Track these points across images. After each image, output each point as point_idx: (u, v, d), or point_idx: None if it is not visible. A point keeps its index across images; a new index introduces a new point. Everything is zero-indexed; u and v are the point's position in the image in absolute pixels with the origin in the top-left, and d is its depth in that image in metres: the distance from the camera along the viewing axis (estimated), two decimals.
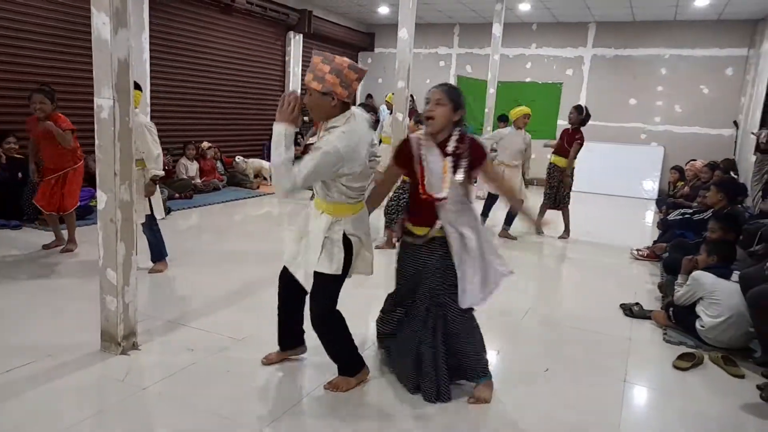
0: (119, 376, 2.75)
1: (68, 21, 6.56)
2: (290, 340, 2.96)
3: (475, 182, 3.14)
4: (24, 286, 3.96)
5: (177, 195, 7.34)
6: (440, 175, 2.54)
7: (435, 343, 2.68)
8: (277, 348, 2.99)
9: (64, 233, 4.89)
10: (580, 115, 6.35)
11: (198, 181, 7.96)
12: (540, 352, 3.39)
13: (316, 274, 2.50)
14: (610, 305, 4.26)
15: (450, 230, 2.58)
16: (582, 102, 10.98)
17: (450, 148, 2.56)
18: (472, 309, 2.74)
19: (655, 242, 6.04)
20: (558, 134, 11.18)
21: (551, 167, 6.58)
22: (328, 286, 2.55)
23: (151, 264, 4.39)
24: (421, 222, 2.65)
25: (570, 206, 6.57)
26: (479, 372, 2.73)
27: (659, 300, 4.44)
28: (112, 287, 2.93)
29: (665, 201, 7.93)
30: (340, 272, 2.50)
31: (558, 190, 6.45)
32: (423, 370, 2.68)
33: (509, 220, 6.34)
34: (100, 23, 2.71)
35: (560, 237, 6.56)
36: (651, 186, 10.49)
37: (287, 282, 2.74)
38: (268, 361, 2.95)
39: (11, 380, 2.65)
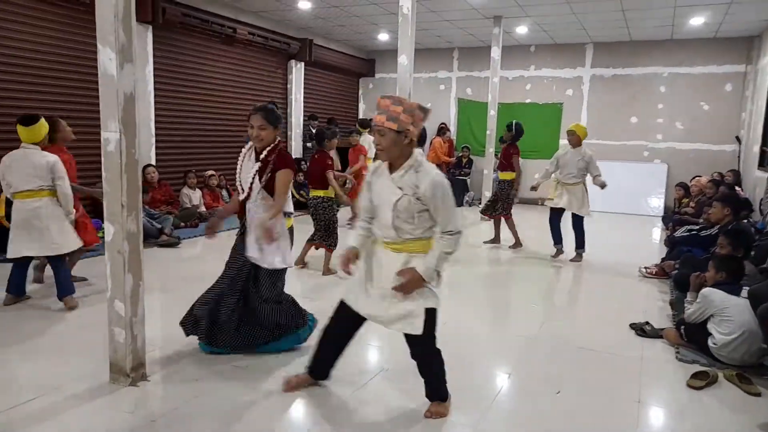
0: (128, 408, 2.73)
1: (73, 55, 6.68)
2: (326, 370, 2.98)
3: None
4: (30, 318, 3.96)
5: (182, 224, 7.37)
6: (248, 178, 3.20)
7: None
8: (284, 374, 2.98)
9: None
10: (511, 132, 7.10)
11: (203, 209, 7.99)
12: (551, 373, 3.35)
13: (427, 311, 2.56)
14: (621, 324, 4.22)
15: (249, 224, 3.19)
16: (583, 121, 11.06)
17: (263, 155, 3.20)
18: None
19: (663, 260, 6.01)
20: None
21: (501, 182, 7.16)
22: (433, 319, 2.61)
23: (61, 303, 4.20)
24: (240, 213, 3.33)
25: (513, 217, 7.06)
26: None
27: (670, 318, 4.40)
28: (120, 318, 2.92)
29: (671, 218, 7.91)
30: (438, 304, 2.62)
31: (496, 201, 7.12)
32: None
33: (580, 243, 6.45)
34: (107, 59, 2.77)
35: (511, 247, 6.98)
36: (657, 203, 10.47)
37: (347, 323, 2.78)
38: (288, 387, 2.93)
39: (19, 415, 2.63)
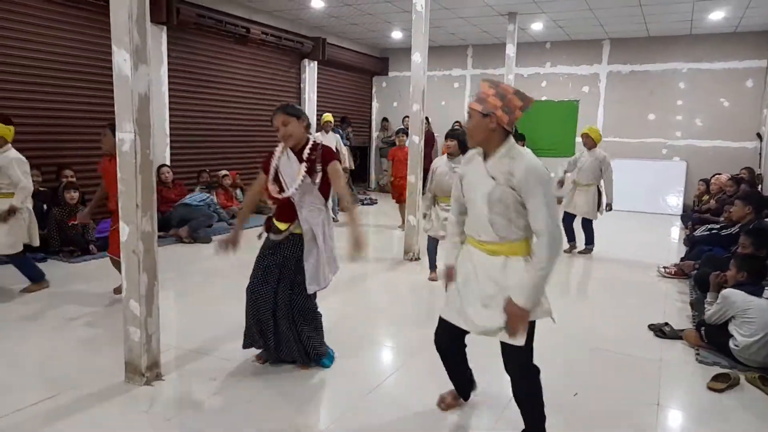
0: (143, 407, 2.74)
1: (89, 56, 6.74)
2: (466, 386, 2.84)
3: None
4: (47, 318, 4.00)
5: None
6: (293, 177, 2.99)
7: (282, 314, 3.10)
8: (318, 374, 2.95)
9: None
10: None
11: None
12: (567, 375, 3.30)
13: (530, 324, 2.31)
14: (639, 325, 4.15)
15: (305, 227, 3.02)
16: (600, 118, 10.93)
17: (305, 154, 3.00)
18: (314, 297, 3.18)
19: (682, 259, 5.91)
20: (577, 151, 11.15)
21: None
22: (532, 333, 2.37)
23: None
24: (283, 218, 3.08)
25: None
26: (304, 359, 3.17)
27: (689, 319, 4.32)
28: (135, 318, 2.94)
29: (691, 216, 7.78)
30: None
31: None
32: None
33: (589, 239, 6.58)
34: (121, 60, 2.78)
35: None
36: (675, 201, 10.30)
37: (451, 334, 2.58)
38: (447, 407, 2.80)
39: (37, 413, 2.66)
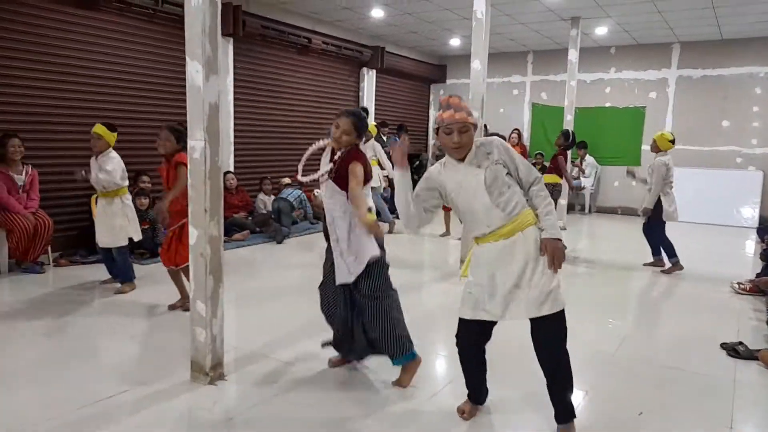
0: (208, 405, 2.85)
1: (163, 68, 7.11)
2: (482, 393, 2.81)
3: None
4: (120, 316, 4.23)
5: (258, 229, 7.63)
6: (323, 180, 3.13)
7: (353, 319, 3.14)
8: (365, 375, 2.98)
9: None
10: (567, 141, 7.18)
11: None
12: (633, 393, 3.17)
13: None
14: (711, 343, 3.93)
15: (328, 218, 3.10)
16: (668, 125, 10.48)
17: (337, 156, 3.10)
18: (380, 294, 3.08)
19: (758, 275, 5.55)
20: (643, 159, 10.73)
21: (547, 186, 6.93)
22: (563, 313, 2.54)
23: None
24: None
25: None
26: (390, 354, 3.09)
27: (766, 339, 4.05)
28: (201, 319, 3.06)
29: (767, 230, 7.31)
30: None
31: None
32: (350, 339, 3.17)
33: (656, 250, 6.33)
34: (194, 71, 2.92)
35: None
36: (750, 213, 9.71)
37: (474, 336, 2.62)
38: (468, 416, 2.76)
39: (113, 405, 2.82)
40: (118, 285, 4.86)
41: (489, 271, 2.50)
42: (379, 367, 3.30)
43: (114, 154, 4.76)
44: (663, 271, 6.17)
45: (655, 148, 6.15)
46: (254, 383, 3.13)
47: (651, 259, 6.40)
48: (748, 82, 9.85)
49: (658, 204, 6.08)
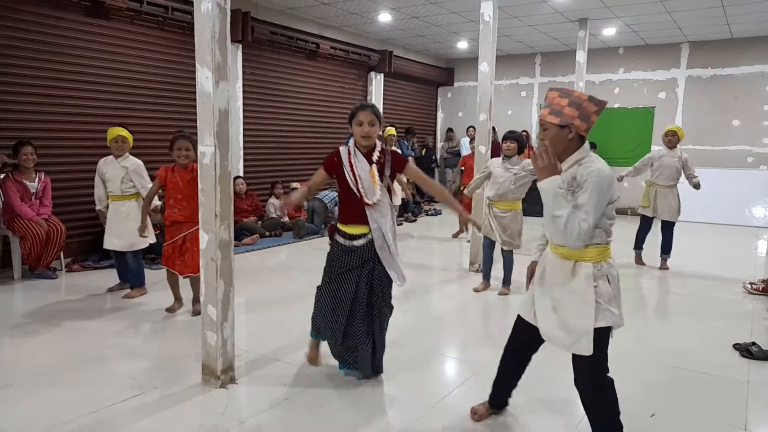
0: (219, 409, 2.86)
1: (173, 75, 7.18)
2: (505, 398, 2.79)
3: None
4: (131, 320, 4.26)
5: (267, 233, 7.67)
6: (370, 182, 2.93)
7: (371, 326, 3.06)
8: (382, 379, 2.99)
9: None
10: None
11: (286, 219, 8.28)
12: (645, 395, 3.15)
13: (597, 330, 2.26)
14: (723, 344, 3.90)
15: (375, 229, 2.96)
16: (678, 125, 10.37)
17: (375, 157, 2.98)
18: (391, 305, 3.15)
19: None
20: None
21: None
22: (603, 342, 2.31)
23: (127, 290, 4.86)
24: (355, 221, 2.99)
25: None
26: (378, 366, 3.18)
27: None
28: (212, 323, 3.08)
29: None
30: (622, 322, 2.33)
31: None
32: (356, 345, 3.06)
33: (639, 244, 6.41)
34: (204, 77, 2.95)
35: None
36: (763, 213, 9.62)
37: (524, 339, 2.57)
38: (479, 417, 2.76)
39: (125, 409, 2.84)
40: (128, 290, 4.89)
41: (540, 273, 2.45)
42: (387, 372, 3.31)
43: (133, 158, 4.87)
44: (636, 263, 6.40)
45: (676, 141, 6.20)
46: (265, 387, 3.14)
47: (660, 260, 6.39)
48: (758, 80, 9.77)
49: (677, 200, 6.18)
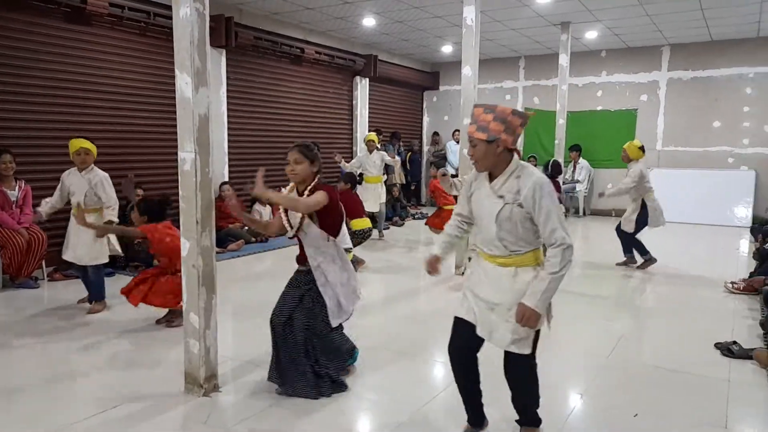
0: (202, 418, 2.84)
1: (153, 81, 7.13)
2: (480, 412, 2.67)
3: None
4: (111, 329, 4.21)
5: (253, 239, 7.63)
6: (294, 218, 3.06)
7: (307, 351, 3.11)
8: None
9: None
10: (546, 170, 7.14)
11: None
12: (628, 395, 3.18)
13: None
14: (705, 344, 3.94)
15: (313, 264, 3.06)
16: (660, 127, 10.57)
17: (305, 195, 3.06)
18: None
19: (752, 274, 5.58)
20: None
21: None
22: (537, 338, 2.45)
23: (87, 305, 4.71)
24: (301, 257, 3.15)
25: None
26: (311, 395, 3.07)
27: (761, 338, 4.07)
28: (194, 331, 3.06)
29: (761, 229, 7.34)
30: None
31: None
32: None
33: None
34: (183, 83, 2.93)
35: None
36: (744, 213, 9.75)
37: (466, 346, 2.53)
38: None
39: (107, 420, 2.81)
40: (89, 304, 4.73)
41: (476, 283, 2.50)
42: (371, 377, 3.30)
43: (101, 171, 4.71)
44: (638, 267, 6.36)
45: (626, 158, 6.22)
46: (249, 394, 3.12)
47: (624, 259, 6.51)
48: (738, 82, 9.92)
49: (644, 210, 6.17)
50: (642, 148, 6.19)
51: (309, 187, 3.08)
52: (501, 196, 2.33)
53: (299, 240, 3.12)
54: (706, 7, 7.71)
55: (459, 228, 2.65)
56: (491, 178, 2.40)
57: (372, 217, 7.30)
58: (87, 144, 4.63)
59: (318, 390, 3.06)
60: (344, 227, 3.29)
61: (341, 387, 3.15)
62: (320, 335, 3.11)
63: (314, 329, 3.09)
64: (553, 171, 7.04)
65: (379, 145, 10.23)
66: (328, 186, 3.14)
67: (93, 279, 4.68)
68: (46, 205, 4.80)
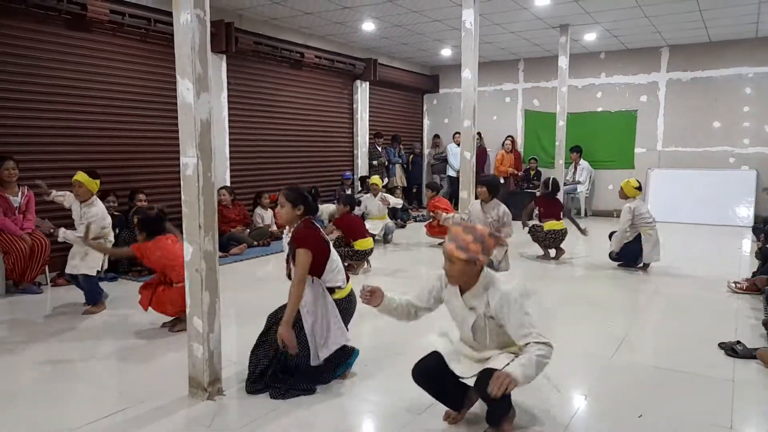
0: (206, 421, 2.84)
1: (155, 86, 7.15)
2: (461, 397, 2.76)
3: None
4: (116, 334, 4.22)
5: (255, 243, 7.64)
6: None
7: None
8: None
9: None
10: (547, 189, 7.09)
11: (274, 228, 8.25)
12: (632, 395, 3.18)
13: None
14: (709, 343, 3.94)
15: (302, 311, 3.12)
16: (660, 128, 10.59)
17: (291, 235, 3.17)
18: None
19: (754, 274, 5.58)
20: (635, 163, 10.81)
21: (555, 233, 6.84)
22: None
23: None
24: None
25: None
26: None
27: (765, 337, 4.06)
28: (198, 334, 3.06)
29: (763, 228, 7.33)
30: None
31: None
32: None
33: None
34: (185, 89, 2.95)
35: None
36: (746, 212, 9.75)
37: (435, 365, 2.67)
38: (454, 420, 2.78)
39: (112, 424, 2.81)
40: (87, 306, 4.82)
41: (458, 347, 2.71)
42: (374, 380, 3.30)
43: (98, 203, 4.84)
44: (640, 268, 6.37)
45: (623, 195, 6.29)
46: (253, 398, 3.12)
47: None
48: (737, 82, 9.94)
49: (639, 245, 6.20)
50: (639, 187, 6.26)
51: (293, 229, 3.21)
52: (472, 308, 2.53)
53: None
54: (704, 8, 7.73)
55: (410, 307, 2.79)
56: (461, 290, 2.57)
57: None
58: (80, 177, 4.72)
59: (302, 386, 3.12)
60: (338, 264, 3.25)
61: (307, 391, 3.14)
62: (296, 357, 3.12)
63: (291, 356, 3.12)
64: (553, 189, 7.06)
65: (380, 148, 10.28)
66: (308, 231, 3.17)
67: (84, 286, 4.80)
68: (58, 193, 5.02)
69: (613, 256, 6.43)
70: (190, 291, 3.06)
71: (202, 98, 2.97)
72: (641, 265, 6.35)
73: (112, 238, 4.97)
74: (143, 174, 7.04)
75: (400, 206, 9.02)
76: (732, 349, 3.75)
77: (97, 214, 4.75)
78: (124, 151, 6.84)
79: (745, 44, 9.76)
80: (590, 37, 9.60)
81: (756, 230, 8.00)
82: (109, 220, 4.92)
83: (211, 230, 3.06)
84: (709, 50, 10.07)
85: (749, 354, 3.67)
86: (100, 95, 6.55)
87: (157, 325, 4.36)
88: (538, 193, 7.10)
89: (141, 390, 3.20)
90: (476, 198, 5.71)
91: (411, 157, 12.40)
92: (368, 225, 7.31)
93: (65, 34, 6.20)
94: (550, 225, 6.83)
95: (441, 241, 8.08)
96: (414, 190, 12.57)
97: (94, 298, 4.83)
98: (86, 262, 4.71)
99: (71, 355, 3.79)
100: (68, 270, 4.82)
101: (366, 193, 8.72)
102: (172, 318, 4.33)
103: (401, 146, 11.91)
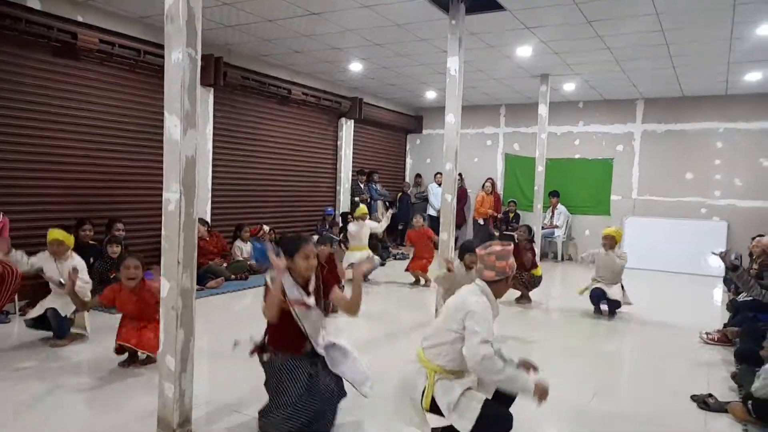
0: None
1: (140, 116, 7.15)
2: None
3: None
4: (85, 369, 4.10)
5: (233, 276, 7.55)
6: None
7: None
8: None
9: None
10: (530, 234, 7.13)
11: (252, 261, 8.18)
12: None
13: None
14: (681, 395, 3.97)
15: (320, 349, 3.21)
16: (635, 176, 10.87)
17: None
18: None
19: (725, 325, 5.68)
20: (612, 210, 11.04)
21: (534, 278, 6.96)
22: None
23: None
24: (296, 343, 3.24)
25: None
26: None
27: (735, 391, 4.11)
28: (170, 373, 2.99)
29: (733, 280, 7.48)
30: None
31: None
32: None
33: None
34: (172, 125, 2.97)
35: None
36: (717, 263, 9.92)
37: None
38: None
39: None
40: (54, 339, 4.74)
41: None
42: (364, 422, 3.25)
43: (75, 255, 4.86)
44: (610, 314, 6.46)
45: (612, 243, 6.41)
46: None
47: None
48: (709, 136, 10.31)
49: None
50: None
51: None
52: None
53: (284, 326, 3.10)
54: (678, 65, 8.08)
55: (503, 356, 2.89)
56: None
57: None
58: (61, 235, 4.76)
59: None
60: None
61: None
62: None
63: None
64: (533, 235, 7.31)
65: (362, 185, 10.32)
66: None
67: (54, 323, 4.71)
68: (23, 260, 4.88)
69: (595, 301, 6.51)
70: (165, 328, 3.01)
71: (189, 135, 2.99)
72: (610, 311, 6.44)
73: (88, 294, 4.79)
74: (123, 203, 6.96)
75: (379, 232, 8.87)
76: (704, 402, 3.78)
77: (80, 263, 4.78)
78: (104, 179, 6.78)
79: (716, 101, 10.18)
80: (569, 87, 9.93)
81: (726, 281, 8.17)
82: (85, 272, 4.86)
83: (190, 267, 3.04)
84: (682, 104, 10.48)
85: (721, 408, 3.71)
86: (83, 122, 6.52)
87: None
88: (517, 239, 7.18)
89: (107, 430, 3.10)
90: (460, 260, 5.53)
91: (399, 195, 12.44)
92: (349, 256, 7.57)
93: (53, 61, 6.19)
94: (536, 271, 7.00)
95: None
96: (400, 227, 12.56)
97: (62, 333, 4.72)
98: (66, 304, 4.64)
99: (33, 391, 3.66)
100: (46, 305, 4.73)
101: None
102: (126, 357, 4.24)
103: (377, 184, 11.79)
